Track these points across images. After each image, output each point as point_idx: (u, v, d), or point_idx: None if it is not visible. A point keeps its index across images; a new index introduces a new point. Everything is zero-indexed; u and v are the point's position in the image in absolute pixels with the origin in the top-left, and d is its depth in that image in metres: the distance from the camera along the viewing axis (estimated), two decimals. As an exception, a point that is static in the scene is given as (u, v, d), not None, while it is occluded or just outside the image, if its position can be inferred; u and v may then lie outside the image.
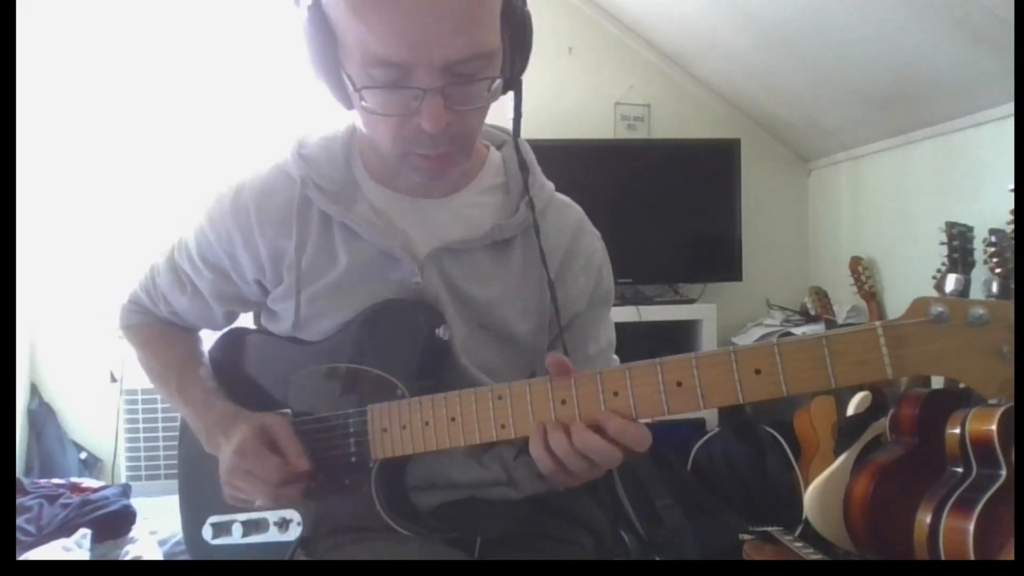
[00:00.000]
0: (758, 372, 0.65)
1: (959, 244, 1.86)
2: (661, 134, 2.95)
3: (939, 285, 1.95)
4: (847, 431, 2.01)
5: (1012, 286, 1.65)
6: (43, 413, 2.60)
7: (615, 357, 1.03)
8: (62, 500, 2.02)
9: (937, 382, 1.85)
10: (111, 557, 1.88)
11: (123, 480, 2.51)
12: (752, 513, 2.18)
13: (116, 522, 1.97)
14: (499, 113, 0.91)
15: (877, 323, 0.61)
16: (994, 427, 1.47)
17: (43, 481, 2.24)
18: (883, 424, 1.89)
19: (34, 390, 2.62)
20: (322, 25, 0.73)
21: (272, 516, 0.91)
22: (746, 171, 2.85)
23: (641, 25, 2.91)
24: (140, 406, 2.58)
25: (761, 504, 2.24)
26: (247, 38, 2.66)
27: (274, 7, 2.54)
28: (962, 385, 1.25)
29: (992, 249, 1.71)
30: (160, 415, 2.58)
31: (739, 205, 2.83)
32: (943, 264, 1.92)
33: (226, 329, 1.05)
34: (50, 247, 2.63)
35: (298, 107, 2.54)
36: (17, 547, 1.73)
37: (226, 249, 0.93)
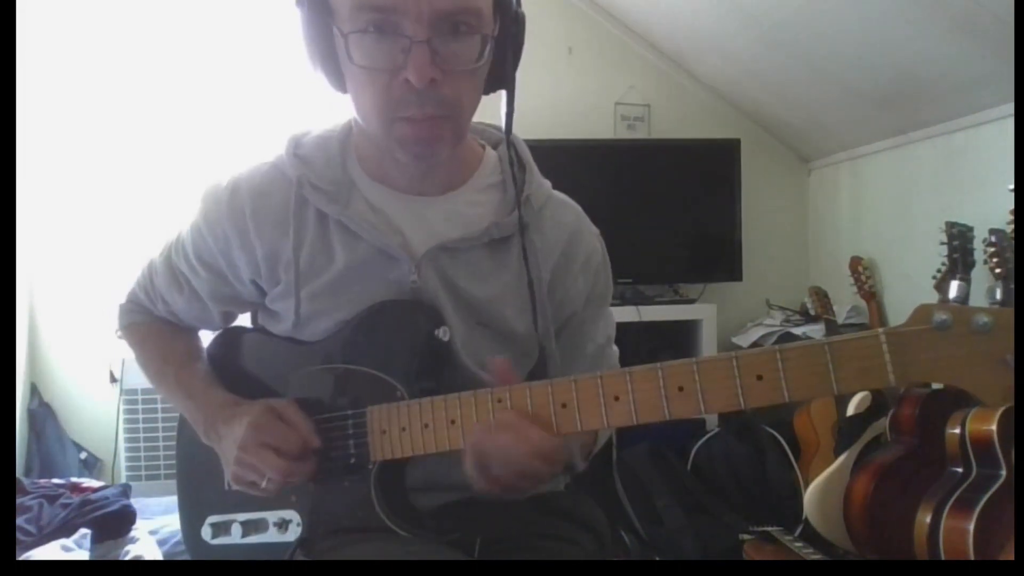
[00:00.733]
0: (760, 378, 0.65)
1: (959, 244, 1.86)
2: (661, 134, 2.94)
3: (939, 286, 1.95)
4: (847, 431, 2.01)
5: (1012, 287, 1.65)
6: (43, 413, 2.59)
7: (615, 349, 1.03)
8: (62, 500, 2.01)
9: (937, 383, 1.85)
10: (111, 557, 1.88)
11: (123, 480, 2.50)
12: (752, 513, 2.17)
13: (116, 522, 1.96)
14: (495, 112, 0.91)
15: (880, 330, 0.60)
16: (994, 427, 1.47)
17: (43, 481, 2.23)
18: (883, 424, 1.89)
19: (34, 390, 2.61)
20: None
21: (271, 516, 0.91)
22: (746, 171, 2.84)
23: (641, 25, 2.91)
24: (140, 406, 2.57)
25: (761, 504, 2.24)
26: (245, 36, 2.66)
27: (272, 6, 2.54)
28: (963, 387, 1.24)
29: (992, 249, 1.71)
30: (160, 415, 2.57)
31: (739, 205, 2.82)
32: (943, 264, 1.92)
33: (224, 329, 1.05)
34: (50, 247, 2.63)
35: (296, 105, 2.53)
36: (17, 547, 1.73)
37: (222, 250, 0.93)
